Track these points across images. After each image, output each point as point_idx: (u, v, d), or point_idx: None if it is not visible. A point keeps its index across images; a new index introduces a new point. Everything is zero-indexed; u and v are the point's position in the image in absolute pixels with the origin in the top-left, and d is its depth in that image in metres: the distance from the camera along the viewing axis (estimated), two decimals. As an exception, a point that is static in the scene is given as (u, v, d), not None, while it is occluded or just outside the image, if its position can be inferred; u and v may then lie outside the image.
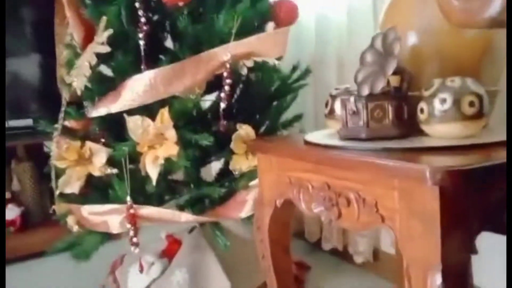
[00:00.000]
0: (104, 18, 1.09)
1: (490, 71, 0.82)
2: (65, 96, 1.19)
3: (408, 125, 0.74)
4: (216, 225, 1.15)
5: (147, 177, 1.07)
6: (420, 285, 0.57)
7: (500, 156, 0.56)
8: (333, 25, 1.56)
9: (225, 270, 1.29)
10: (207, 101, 1.24)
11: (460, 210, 0.56)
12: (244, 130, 1.11)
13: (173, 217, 1.10)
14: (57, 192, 1.15)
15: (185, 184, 1.22)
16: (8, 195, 1.91)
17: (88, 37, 1.15)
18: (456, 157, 0.60)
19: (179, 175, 1.27)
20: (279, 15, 1.21)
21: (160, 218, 1.09)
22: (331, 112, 0.88)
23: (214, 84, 1.16)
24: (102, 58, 1.09)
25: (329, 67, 1.60)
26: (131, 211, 1.07)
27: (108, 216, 1.10)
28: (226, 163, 1.20)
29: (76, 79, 1.06)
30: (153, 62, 1.13)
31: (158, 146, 1.03)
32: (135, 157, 1.09)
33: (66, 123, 1.20)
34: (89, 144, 1.10)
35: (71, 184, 1.11)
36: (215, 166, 1.32)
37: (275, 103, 1.31)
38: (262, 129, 1.27)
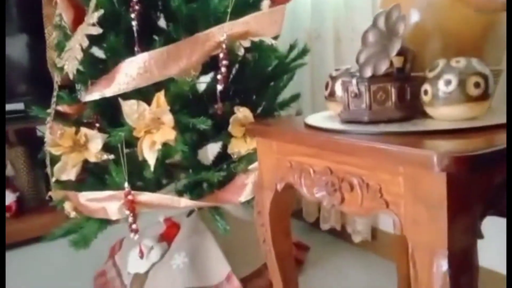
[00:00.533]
0: (94, -2, 1.04)
1: (493, 49, 0.81)
2: (57, 79, 1.15)
3: (411, 107, 0.72)
4: (216, 209, 1.14)
5: (144, 162, 1.05)
6: (426, 270, 0.57)
7: (504, 140, 0.55)
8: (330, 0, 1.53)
9: (225, 253, 1.30)
10: (202, 83, 1.22)
11: (466, 195, 0.55)
12: (242, 113, 1.09)
13: (172, 202, 1.08)
14: (53, 179, 1.13)
15: (183, 169, 1.20)
16: (2, 180, 1.89)
17: (78, 18, 1.11)
18: (462, 141, 0.59)
19: (176, 159, 1.25)
20: (275, -8, 1.17)
21: (159, 204, 1.08)
22: (332, 94, 0.85)
23: (209, 65, 1.13)
24: (93, 39, 1.05)
25: (326, 43, 1.57)
26: (130, 197, 1.05)
27: (106, 203, 1.09)
28: (224, 147, 1.18)
29: (68, 62, 1.03)
30: (146, 43, 1.09)
31: (154, 130, 1.01)
32: (131, 142, 1.07)
33: (59, 107, 1.17)
34: (84, 130, 1.07)
35: (67, 171, 1.09)
36: (212, 149, 1.30)
37: (272, 83, 1.28)
38: (259, 110, 1.26)
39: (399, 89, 0.71)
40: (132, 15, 1.06)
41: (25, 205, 1.94)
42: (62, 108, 1.17)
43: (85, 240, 1.13)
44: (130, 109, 1.01)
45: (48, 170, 1.20)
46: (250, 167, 1.10)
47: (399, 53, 0.70)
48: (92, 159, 1.09)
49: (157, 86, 1.04)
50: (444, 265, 0.54)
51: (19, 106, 1.99)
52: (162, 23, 1.25)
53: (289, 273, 0.97)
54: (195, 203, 1.11)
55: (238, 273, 1.27)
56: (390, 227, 1.43)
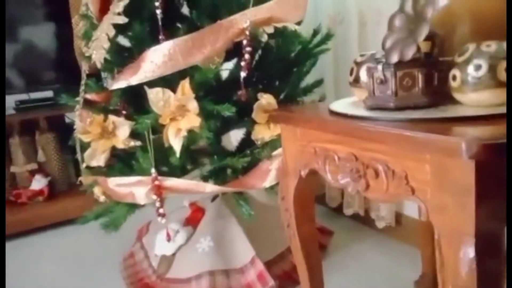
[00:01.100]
0: (119, -13, 1.06)
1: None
2: (85, 68, 1.18)
3: (439, 93, 0.71)
4: (240, 194, 1.16)
5: (170, 149, 1.08)
6: (452, 256, 0.57)
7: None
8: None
9: (249, 237, 1.32)
10: (225, 70, 1.22)
11: (494, 182, 0.54)
12: (266, 99, 1.09)
13: (198, 187, 1.11)
14: (83, 165, 1.17)
15: (207, 155, 1.22)
16: (34, 166, 1.96)
17: (104, 7, 1.13)
18: (491, 127, 0.58)
19: (200, 145, 1.27)
20: (298, -23, 1.16)
21: (185, 189, 1.11)
22: (356, 80, 0.85)
23: (232, 51, 1.13)
24: (119, 28, 1.07)
25: (350, 28, 1.55)
26: (156, 182, 1.08)
27: (134, 188, 1.12)
28: (248, 133, 1.19)
29: (95, 51, 1.05)
30: (170, 31, 1.11)
31: (180, 118, 1.03)
32: (157, 129, 1.10)
33: (87, 96, 1.21)
34: (112, 117, 1.10)
35: (97, 157, 1.13)
36: (235, 135, 1.31)
37: (295, 69, 1.28)
38: (282, 96, 1.26)
39: (426, 75, 0.69)
40: (156, 3, 1.07)
41: (56, 189, 2.02)
42: (90, 96, 1.20)
43: (115, 223, 1.17)
44: (156, 96, 1.03)
45: (78, 156, 1.25)
46: (274, 153, 1.11)
47: (426, 38, 0.69)
48: (120, 145, 1.12)
49: (181, 74, 1.05)
50: (471, 251, 0.54)
51: (49, 94, 2.05)
52: (185, 10, 1.25)
53: (313, 258, 0.98)
54: (220, 189, 1.13)
55: (262, 257, 1.29)
56: (414, 213, 1.42)
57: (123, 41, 1.19)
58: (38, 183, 1.93)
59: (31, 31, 1.96)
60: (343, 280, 1.30)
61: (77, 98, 1.21)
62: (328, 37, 1.27)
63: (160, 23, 1.07)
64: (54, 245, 1.74)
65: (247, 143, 1.19)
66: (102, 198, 1.29)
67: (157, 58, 1.04)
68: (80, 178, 1.33)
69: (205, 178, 1.20)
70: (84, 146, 1.21)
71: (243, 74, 1.05)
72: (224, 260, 1.29)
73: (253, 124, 1.12)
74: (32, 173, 1.95)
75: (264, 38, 1.07)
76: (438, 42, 0.72)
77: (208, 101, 1.06)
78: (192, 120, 1.01)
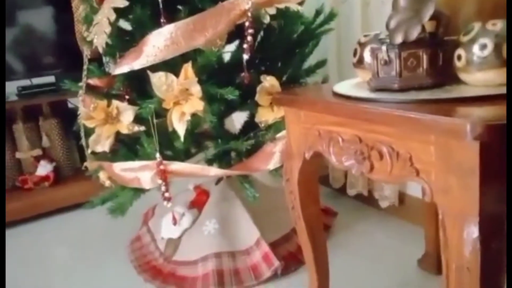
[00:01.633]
0: (119, -31, 1.04)
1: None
2: (86, 53, 1.18)
3: (443, 73, 0.70)
4: (245, 177, 1.17)
5: (174, 133, 1.08)
6: (456, 236, 0.57)
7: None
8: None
9: (254, 219, 1.34)
10: (227, 53, 1.21)
11: (498, 163, 0.54)
12: (269, 82, 1.09)
13: (203, 171, 1.12)
14: (88, 151, 1.18)
15: (211, 138, 1.22)
16: (39, 151, 1.97)
17: (104, -9, 1.12)
18: (496, 107, 0.57)
19: (204, 128, 1.27)
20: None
21: (190, 173, 1.12)
22: (360, 61, 0.84)
23: (233, 33, 1.12)
24: (120, 12, 1.06)
25: (353, 7, 1.52)
26: (162, 167, 1.09)
27: (139, 173, 1.13)
28: (251, 115, 1.19)
29: (97, 36, 1.04)
30: (171, 14, 1.10)
31: (183, 102, 1.03)
32: (161, 113, 1.10)
33: (90, 81, 1.20)
34: (115, 103, 1.10)
35: (101, 142, 1.13)
36: (238, 117, 1.31)
37: (297, 50, 1.27)
38: (285, 77, 1.25)
39: (431, 55, 0.69)
40: (157, -14, 1.05)
41: (61, 174, 2.03)
42: (93, 81, 1.20)
43: (121, 208, 1.19)
44: (159, 81, 1.03)
45: (83, 141, 1.25)
46: (278, 135, 1.11)
47: (431, 17, 0.68)
48: (124, 130, 1.12)
49: (184, 57, 1.04)
50: (475, 231, 0.55)
51: (50, 79, 2.04)
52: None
53: (318, 238, 1.00)
54: (225, 172, 1.14)
55: (267, 238, 1.31)
56: (417, 192, 1.42)
57: (124, 24, 1.18)
58: (44, 168, 1.94)
59: (31, 15, 1.94)
60: (347, 260, 1.32)
61: (80, 84, 1.21)
62: (331, 16, 1.26)
63: (161, 5, 1.06)
64: (62, 229, 1.77)
65: (250, 126, 1.19)
66: (107, 183, 1.30)
67: (159, 42, 1.03)
68: (85, 164, 1.34)
69: (209, 162, 1.21)
70: (88, 132, 1.21)
71: (245, 56, 1.05)
72: (230, 242, 1.30)
73: (256, 107, 1.12)
74: (37, 159, 1.97)
75: (267, 19, 1.06)
76: (443, 21, 0.71)
77: (211, 85, 1.06)
78: (196, 104, 1.01)
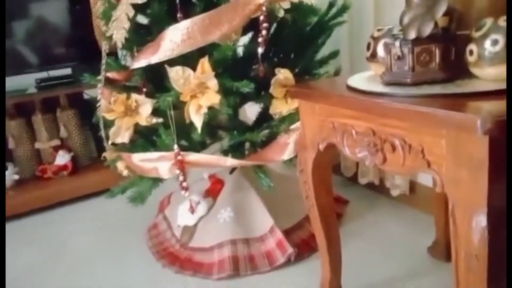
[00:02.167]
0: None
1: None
2: (105, 48, 1.21)
3: (455, 68, 0.72)
4: (259, 167, 1.20)
5: (191, 124, 1.11)
6: (465, 225, 0.60)
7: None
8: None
9: (267, 207, 1.37)
10: (240, 46, 1.24)
11: (506, 156, 0.57)
12: (283, 74, 1.11)
13: (219, 161, 1.15)
14: (109, 142, 1.22)
15: (226, 129, 1.26)
16: (58, 142, 2.03)
17: (121, -14, 1.14)
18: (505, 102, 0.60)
19: (219, 120, 1.31)
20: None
21: (206, 163, 1.15)
22: (373, 54, 0.86)
23: (246, 25, 1.14)
24: (138, 7, 1.09)
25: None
26: (179, 157, 1.13)
27: (157, 163, 1.17)
28: (265, 107, 1.22)
29: (116, 31, 1.08)
30: (188, 9, 1.12)
31: (200, 95, 1.06)
32: (178, 105, 1.13)
33: (108, 74, 1.24)
34: (134, 96, 1.14)
35: (121, 134, 1.17)
36: (251, 108, 1.34)
37: (310, 42, 1.29)
38: (298, 69, 1.27)
39: (444, 50, 0.71)
40: (173, -19, 1.08)
41: (79, 163, 2.09)
42: (111, 75, 1.23)
43: (141, 196, 1.23)
44: (176, 75, 1.06)
45: (102, 133, 1.29)
46: (292, 127, 1.14)
47: (444, 13, 0.70)
48: (143, 122, 1.16)
49: (200, 52, 1.07)
50: (483, 220, 0.58)
51: (67, 71, 2.08)
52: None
53: (331, 226, 1.03)
54: (240, 162, 1.17)
55: (281, 226, 1.35)
56: (428, 181, 1.44)
57: (141, 19, 1.21)
58: (62, 158, 2.00)
59: (46, 8, 1.97)
60: (359, 247, 1.35)
61: (99, 77, 1.25)
62: (344, 8, 1.27)
63: (177, 1, 1.09)
64: (81, 217, 1.83)
65: (264, 117, 1.22)
66: (125, 173, 1.35)
67: (176, 37, 1.06)
68: (104, 154, 1.39)
69: (224, 152, 1.24)
70: (107, 124, 1.26)
71: (260, 50, 1.07)
72: (245, 230, 1.35)
73: (271, 99, 1.15)
74: (56, 149, 2.02)
75: (281, 13, 1.08)
76: (455, 16, 0.73)
77: (226, 78, 1.09)
78: (212, 97, 1.04)
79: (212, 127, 1.22)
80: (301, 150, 1.00)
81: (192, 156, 1.15)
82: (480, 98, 0.62)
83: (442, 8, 0.67)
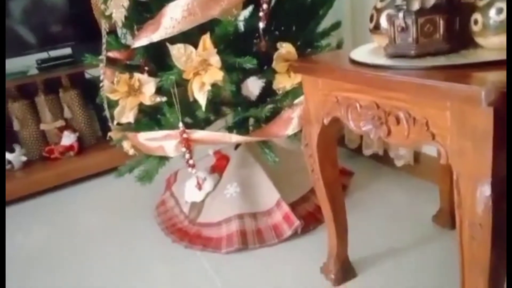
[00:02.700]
0: None
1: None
2: (105, 27, 1.20)
3: (460, 38, 0.72)
4: (264, 142, 1.21)
5: (195, 101, 1.12)
6: (470, 196, 0.61)
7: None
8: None
9: (273, 181, 1.39)
10: (241, 21, 1.22)
11: (506, 126, 0.57)
12: (285, 49, 1.10)
13: (224, 138, 1.16)
14: (114, 123, 1.23)
15: (230, 105, 1.26)
16: (62, 122, 2.04)
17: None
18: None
19: (222, 96, 1.30)
20: None
21: (212, 140, 1.16)
22: (377, 26, 0.85)
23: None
24: (136, -15, 1.08)
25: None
26: (185, 135, 1.14)
27: (163, 141, 1.18)
28: (268, 82, 1.22)
29: (115, 10, 1.06)
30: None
31: (203, 72, 1.06)
32: (181, 83, 1.13)
33: (110, 54, 1.23)
34: (137, 75, 1.14)
35: (126, 114, 1.18)
36: (253, 83, 1.33)
37: (311, 14, 1.27)
38: (299, 41, 1.26)
39: (448, 21, 0.70)
40: (171, -44, 1.06)
41: (85, 143, 2.11)
42: (113, 54, 1.23)
43: (149, 175, 1.25)
44: (178, 52, 1.06)
45: (107, 113, 1.30)
46: (295, 101, 1.14)
47: (448, -18, 0.69)
48: (147, 102, 1.16)
49: (201, 28, 1.06)
50: (487, 190, 0.59)
51: (67, 51, 2.07)
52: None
53: (337, 199, 1.05)
54: (245, 138, 1.18)
55: (287, 199, 1.37)
56: (432, 151, 1.45)
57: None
58: (68, 138, 2.01)
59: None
60: (365, 217, 1.38)
61: (100, 57, 1.24)
62: (345, -22, 1.25)
63: (176, -23, 1.06)
64: (89, 196, 1.86)
65: (268, 92, 1.22)
66: (131, 152, 1.36)
67: (176, 14, 1.05)
68: (109, 134, 1.40)
69: (229, 129, 1.25)
70: (111, 104, 1.26)
71: (261, 25, 1.06)
72: (251, 204, 1.37)
73: (274, 74, 1.14)
74: (61, 129, 2.04)
75: (281, -14, 1.06)
76: (460, -15, 0.72)
77: (228, 54, 1.08)
78: (215, 74, 1.04)
79: (216, 103, 1.22)
80: (305, 125, 1.00)
81: (197, 134, 1.16)
82: (485, 68, 0.62)
83: (446, -23, 0.65)
